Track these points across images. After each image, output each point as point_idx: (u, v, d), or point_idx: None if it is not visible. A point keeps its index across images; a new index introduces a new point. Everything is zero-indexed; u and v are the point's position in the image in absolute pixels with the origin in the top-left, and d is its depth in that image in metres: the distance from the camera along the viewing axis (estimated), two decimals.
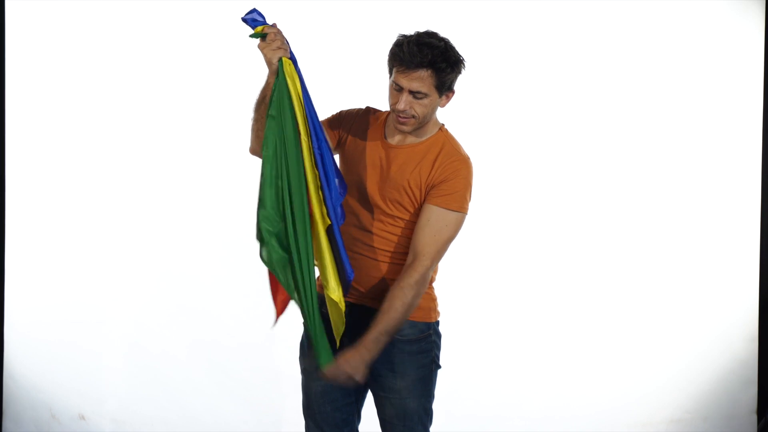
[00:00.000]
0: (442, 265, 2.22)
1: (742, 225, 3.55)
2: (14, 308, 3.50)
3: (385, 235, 2.15)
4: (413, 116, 2.08)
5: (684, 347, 3.53)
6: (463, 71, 2.12)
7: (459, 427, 3.34)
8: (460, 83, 2.15)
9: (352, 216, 2.17)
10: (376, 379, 2.16)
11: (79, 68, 3.46)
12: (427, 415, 2.21)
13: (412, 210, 2.14)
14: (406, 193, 2.12)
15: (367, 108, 2.29)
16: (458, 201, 2.10)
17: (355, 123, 2.24)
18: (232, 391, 3.47)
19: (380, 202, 2.14)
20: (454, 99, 2.17)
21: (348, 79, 3.30)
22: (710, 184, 3.54)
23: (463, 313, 3.34)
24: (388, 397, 2.16)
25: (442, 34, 2.12)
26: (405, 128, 2.11)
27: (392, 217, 2.14)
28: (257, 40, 1.99)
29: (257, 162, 2.21)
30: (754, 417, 3.57)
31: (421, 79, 2.03)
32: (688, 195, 3.53)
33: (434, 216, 2.08)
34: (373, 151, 2.18)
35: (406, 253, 2.14)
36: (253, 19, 1.97)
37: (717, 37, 3.50)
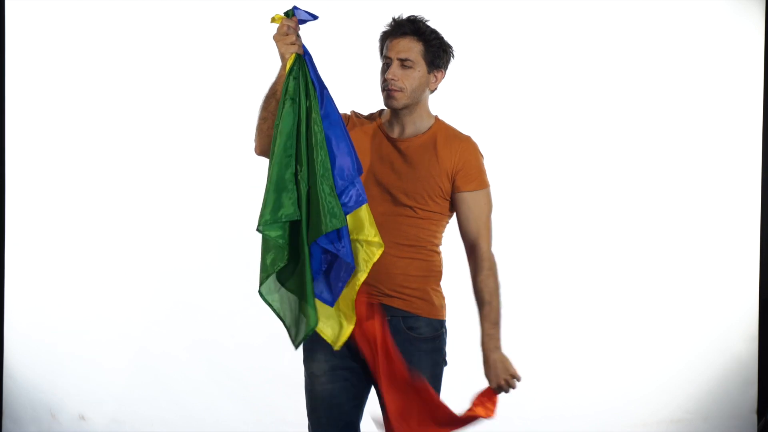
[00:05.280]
0: (445, 265, 2.23)
1: (742, 225, 3.55)
2: (14, 308, 3.50)
3: (404, 229, 2.13)
4: (401, 89, 2.11)
5: (684, 347, 3.53)
6: (452, 58, 2.20)
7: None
8: (465, 85, 2.15)
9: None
10: None
11: (79, 68, 3.46)
12: None
13: (437, 200, 2.14)
14: (435, 182, 2.13)
15: (353, 111, 2.29)
16: (482, 178, 2.16)
17: (349, 127, 2.23)
18: (232, 391, 3.47)
19: (400, 196, 2.13)
20: (457, 100, 2.18)
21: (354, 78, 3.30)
22: (710, 184, 3.54)
23: (463, 313, 3.33)
24: None
25: (444, 33, 2.16)
26: (394, 103, 2.13)
27: (412, 209, 2.13)
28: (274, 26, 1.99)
29: (257, 163, 2.20)
30: (754, 417, 3.56)
31: (408, 47, 2.12)
32: (689, 195, 3.53)
33: (471, 201, 2.14)
34: (378, 147, 2.18)
35: (424, 247, 2.15)
36: (300, 16, 1.98)
37: (717, 37, 3.50)
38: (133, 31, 3.45)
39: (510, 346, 3.46)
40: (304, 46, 2.00)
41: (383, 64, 2.16)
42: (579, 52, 3.48)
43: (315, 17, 1.97)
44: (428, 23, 2.16)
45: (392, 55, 2.12)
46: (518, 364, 3.47)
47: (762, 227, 3.55)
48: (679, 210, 3.53)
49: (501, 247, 3.45)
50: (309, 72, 1.99)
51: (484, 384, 2.11)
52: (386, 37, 2.16)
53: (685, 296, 3.53)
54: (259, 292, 1.98)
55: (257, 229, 1.95)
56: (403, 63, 2.11)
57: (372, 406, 2.29)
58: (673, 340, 3.53)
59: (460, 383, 3.36)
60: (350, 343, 2.13)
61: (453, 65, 2.20)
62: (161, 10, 3.44)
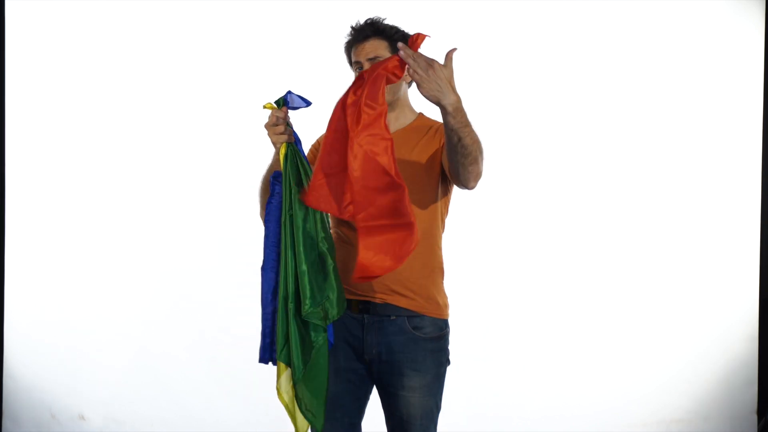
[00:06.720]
0: (446, 265, 2.23)
1: (742, 225, 3.55)
2: (14, 308, 3.50)
3: None
4: None
5: (684, 347, 3.54)
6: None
7: (460, 426, 3.34)
8: (464, 84, 2.14)
9: None
10: (398, 378, 2.16)
11: (79, 69, 3.46)
12: (438, 411, 2.22)
13: (432, 181, 2.16)
14: (427, 163, 2.14)
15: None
16: None
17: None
18: (232, 391, 3.47)
19: None
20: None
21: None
22: (710, 184, 3.54)
23: (464, 313, 3.33)
24: (407, 396, 2.16)
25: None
26: None
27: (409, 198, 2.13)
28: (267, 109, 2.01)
29: (256, 164, 2.22)
30: (754, 417, 3.57)
31: (374, 47, 2.17)
32: (689, 195, 3.53)
33: None
34: None
35: (427, 239, 2.15)
36: (293, 103, 1.99)
37: (717, 37, 3.50)
38: (133, 31, 3.45)
39: (511, 346, 3.49)
40: (295, 133, 2.01)
41: (355, 71, 2.21)
42: (579, 52, 3.48)
43: (308, 104, 1.98)
44: (386, 21, 2.20)
45: (361, 58, 2.17)
46: (519, 364, 3.49)
47: (762, 227, 3.55)
48: (679, 210, 3.53)
49: (501, 247, 3.48)
50: (302, 156, 2.02)
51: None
52: (351, 46, 2.22)
53: (686, 297, 3.53)
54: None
55: (306, 312, 1.98)
56: (374, 62, 2.14)
57: (373, 407, 2.30)
58: (673, 340, 3.53)
59: (462, 383, 3.38)
60: (354, 344, 2.14)
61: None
62: (161, 10, 3.44)
